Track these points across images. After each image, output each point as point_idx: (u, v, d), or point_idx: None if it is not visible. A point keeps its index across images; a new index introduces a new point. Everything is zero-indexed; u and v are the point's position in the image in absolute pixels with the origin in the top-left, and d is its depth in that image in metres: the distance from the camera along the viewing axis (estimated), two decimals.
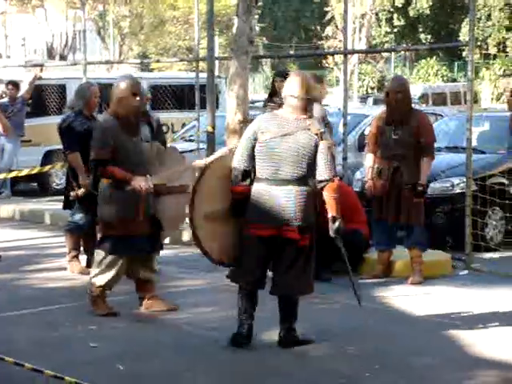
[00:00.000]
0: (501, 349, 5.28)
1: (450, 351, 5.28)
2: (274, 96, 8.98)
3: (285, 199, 5.05)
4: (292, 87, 5.17)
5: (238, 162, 5.16)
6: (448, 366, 5.01)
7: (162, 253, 6.73)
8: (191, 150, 10.87)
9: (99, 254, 6.08)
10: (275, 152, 5.05)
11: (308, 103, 5.17)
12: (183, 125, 13.91)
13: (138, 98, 5.94)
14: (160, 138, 8.02)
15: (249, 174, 5.16)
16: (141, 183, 5.81)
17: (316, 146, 5.03)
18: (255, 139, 5.12)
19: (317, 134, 5.04)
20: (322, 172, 5.06)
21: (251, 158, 5.13)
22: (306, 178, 5.07)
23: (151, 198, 5.96)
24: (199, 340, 5.52)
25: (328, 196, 5.07)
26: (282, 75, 9.26)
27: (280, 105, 8.80)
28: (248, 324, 5.25)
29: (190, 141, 11.76)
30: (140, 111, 6.07)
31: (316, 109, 6.33)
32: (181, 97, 14.78)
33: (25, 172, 11.05)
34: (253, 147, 5.12)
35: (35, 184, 13.57)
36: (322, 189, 5.09)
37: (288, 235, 5.07)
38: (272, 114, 5.24)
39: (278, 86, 8.96)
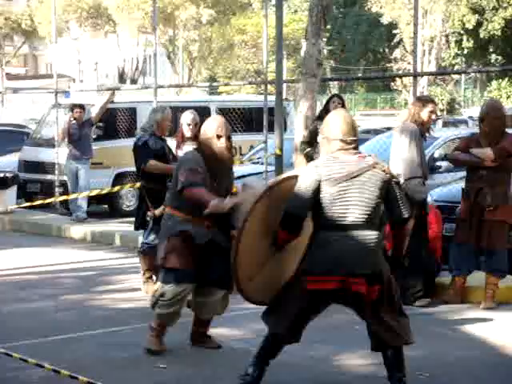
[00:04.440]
0: None
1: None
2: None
3: (355, 246, 4.62)
4: (344, 128, 4.76)
5: (297, 210, 4.70)
6: None
7: None
8: (259, 173, 10.90)
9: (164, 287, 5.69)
10: (344, 197, 4.64)
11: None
12: (251, 147, 13.97)
13: (222, 141, 5.71)
14: None
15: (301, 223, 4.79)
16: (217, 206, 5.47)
17: (384, 183, 4.68)
18: (317, 188, 4.67)
19: (384, 171, 4.71)
20: (399, 211, 4.72)
21: (311, 207, 4.72)
22: (374, 220, 4.69)
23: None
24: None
25: (404, 235, 4.81)
26: (338, 96, 9.26)
27: None
28: (262, 369, 4.90)
29: (259, 163, 11.80)
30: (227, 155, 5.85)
31: None
32: (249, 119, 14.86)
33: (95, 192, 11.28)
34: (314, 197, 4.68)
35: (105, 206, 13.79)
36: (398, 228, 4.80)
37: (355, 288, 4.60)
38: (330, 157, 4.76)
39: (335, 107, 8.95)
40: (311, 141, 8.75)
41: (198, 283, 5.66)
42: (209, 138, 5.67)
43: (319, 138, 5.01)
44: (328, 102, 8.98)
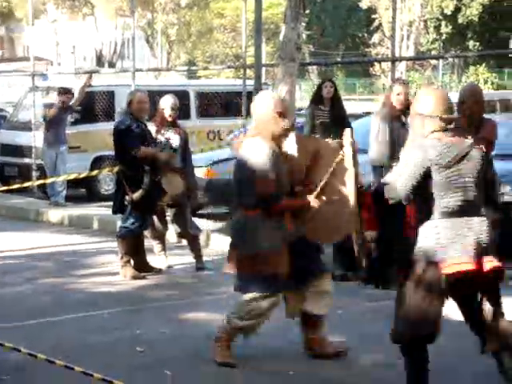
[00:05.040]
0: None
1: None
2: (320, 103, 9.00)
3: (481, 229, 4.29)
4: (445, 105, 4.41)
5: (403, 187, 4.31)
6: None
7: (211, 258, 6.72)
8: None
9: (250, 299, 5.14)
10: (460, 180, 4.31)
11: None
12: (230, 131, 13.95)
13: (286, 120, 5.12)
14: (189, 150, 8.14)
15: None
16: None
17: (485, 161, 4.44)
18: (428, 171, 4.28)
19: (481, 148, 4.44)
20: (497, 188, 4.62)
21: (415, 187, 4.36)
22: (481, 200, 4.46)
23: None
24: (244, 348, 5.52)
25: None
26: (331, 81, 9.29)
27: (330, 113, 8.87)
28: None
29: None
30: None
31: None
32: (228, 104, 14.84)
33: (73, 176, 11.24)
34: (422, 178, 4.30)
35: (83, 190, 13.74)
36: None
37: (493, 267, 4.23)
38: (436, 139, 4.35)
39: (328, 92, 8.98)
40: (313, 127, 8.84)
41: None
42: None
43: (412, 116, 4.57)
44: (320, 87, 9.01)
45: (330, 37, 52.28)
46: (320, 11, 51.13)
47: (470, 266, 4.18)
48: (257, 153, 4.99)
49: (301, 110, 18.17)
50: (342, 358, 5.24)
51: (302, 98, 35.85)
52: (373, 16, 41.54)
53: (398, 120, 7.26)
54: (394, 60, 9.75)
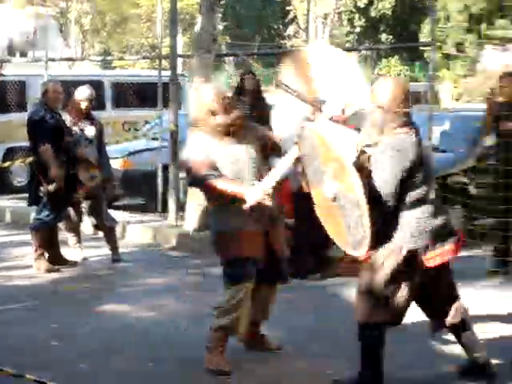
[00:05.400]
0: None
1: None
2: (242, 95, 9.00)
3: (446, 217, 4.39)
4: (405, 98, 4.31)
5: (390, 199, 4.21)
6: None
7: (127, 250, 6.68)
8: (154, 148, 10.84)
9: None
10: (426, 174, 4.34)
11: None
12: (146, 122, 13.84)
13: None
14: (104, 141, 8.07)
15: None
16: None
17: None
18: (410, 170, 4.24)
19: None
20: None
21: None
22: None
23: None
24: (163, 338, 5.51)
25: None
26: (252, 73, 9.31)
27: (251, 105, 8.88)
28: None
29: (153, 139, 11.72)
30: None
31: None
32: (143, 94, 14.72)
33: None
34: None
35: None
36: None
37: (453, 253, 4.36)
38: (404, 134, 4.26)
39: (248, 84, 9.00)
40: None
41: None
42: None
43: (370, 111, 4.32)
44: (242, 79, 9.01)
45: (246, 28, 52.39)
46: (235, 2, 51.16)
47: (446, 257, 4.29)
48: (191, 142, 4.94)
49: None
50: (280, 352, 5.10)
51: None
52: (288, 8, 41.80)
53: None
54: None
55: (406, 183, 4.21)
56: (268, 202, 4.67)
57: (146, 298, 6.58)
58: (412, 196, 4.26)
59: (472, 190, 9.07)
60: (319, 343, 5.30)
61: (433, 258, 4.28)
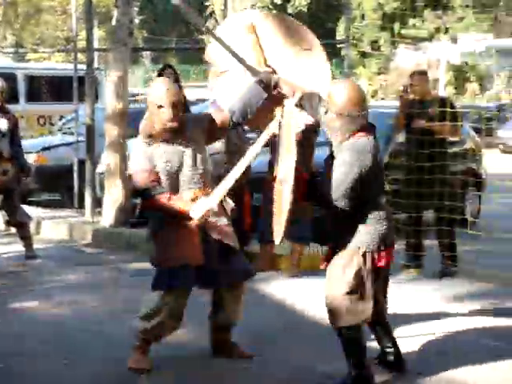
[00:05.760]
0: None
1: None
2: None
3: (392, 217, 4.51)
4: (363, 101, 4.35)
5: (346, 202, 4.27)
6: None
7: (42, 246, 6.57)
8: (70, 143, 10.68)
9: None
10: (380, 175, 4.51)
11: None
12: (61, 117, 13.63)
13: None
14: (18, 134, 7.90)
15: None
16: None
17: None
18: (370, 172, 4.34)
19: None
20: None
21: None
22: None
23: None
24: (81, 336, 5.45)
25: None
26: (171, 67, 9.23)
27: None
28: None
29: (69, 133, 11.55)
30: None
31: None
32: (58, 88, 14.48)
33: None
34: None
35: None
36: None
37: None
38: (364, 138, 4.31)
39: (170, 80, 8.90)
40: None
41: None
42: None
43: (327, 115, 4.33)
44: (161, 74, 8.89)
45: (164, 22, 52.07)
46: None
47: (392, 256, 4.45)
48: (134, 147, 4.67)
49: (135, 95, 18.03)
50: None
51: (136, 85, 35.52)
52: (205, 3, 41.74)
53: None
54: None
55: (364, 185, 4.28)
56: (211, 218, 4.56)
57: (61, 294, 6.49)
58: (369, 197, 4.35)
59: (386, 186, 9.22)
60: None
61: (385, 258, 4.40)
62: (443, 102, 7.42)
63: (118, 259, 7.83)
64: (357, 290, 4.34)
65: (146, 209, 4.72)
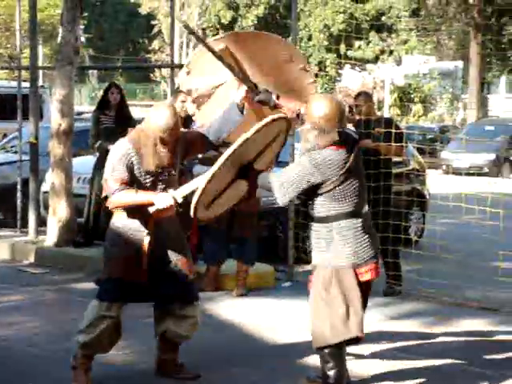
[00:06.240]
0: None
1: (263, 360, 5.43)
2: (106, 109, 8.82)
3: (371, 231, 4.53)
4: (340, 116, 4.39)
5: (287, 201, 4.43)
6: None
7: None
8: (13, 162, 10.50)
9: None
10: (354, 187, 4.44)
11: None
12: (4, 135, 13.41)
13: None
14: None
15: None
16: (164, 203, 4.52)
17: None
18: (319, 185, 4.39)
19: None
20: None
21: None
22: None
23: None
24: (20, 357, 5.33)
25: None
26: (117, 86, 9.15)
27: (115, 118, 8.69)
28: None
29: (13, 152, 11.36)
30: None
31: None
32: (2, 106, 14.26)
33: None
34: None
35: None
36: None
37: (377, 274, 4.52)
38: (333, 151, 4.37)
39: (114, 98, 8.82)
40: (97, 133, 8.63)
41: None
42: None
43: (303, 128, 4.40)
44: (106, 93, 8.81)
45: (110, 41, 51.82)
46: (99, 15, 50.53)
47: (374, 273, 4.45)
48: (115, 150, 4.62)
49: (80, 114, 17.86)
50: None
51: (81, 103, 35.23)
52: (153, 22, 41.69)
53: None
54: (172, 67, 9.88)
55: (317, 195, 4.32)
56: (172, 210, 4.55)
57: (1, 315, 6.35)
58: (336, 209, 4.34)
59: None
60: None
61: (366, 273, 4.40)
62: (388, 122, 7.51)
63: (61, 279, 7.70)
64: (339, 307, 4.33)
65: (113, 207, 4.64)
